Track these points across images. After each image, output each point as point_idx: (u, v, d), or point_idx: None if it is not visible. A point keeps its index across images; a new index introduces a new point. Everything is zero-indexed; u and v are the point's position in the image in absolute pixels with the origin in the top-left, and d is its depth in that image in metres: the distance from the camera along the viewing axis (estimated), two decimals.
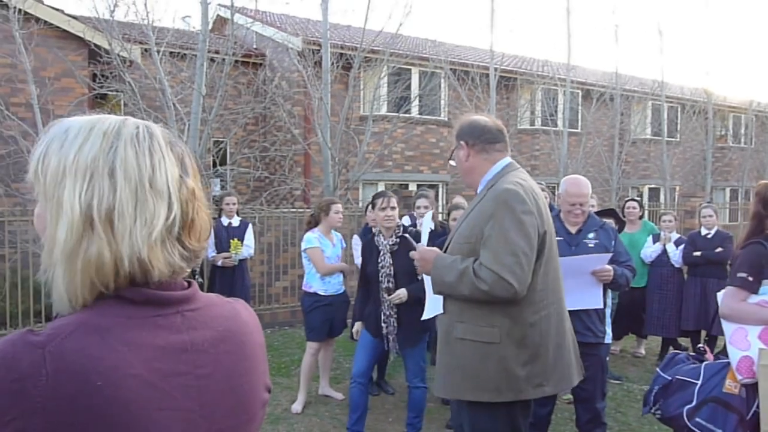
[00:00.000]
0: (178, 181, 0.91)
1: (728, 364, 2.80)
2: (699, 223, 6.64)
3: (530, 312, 2.47)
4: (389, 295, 4.17)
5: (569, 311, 3.64)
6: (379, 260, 4.24)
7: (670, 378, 3.03)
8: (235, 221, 6.53)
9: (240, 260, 6.39)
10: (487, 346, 2.46)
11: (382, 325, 4.20)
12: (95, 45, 9.18)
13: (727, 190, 20.22)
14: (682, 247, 6.42)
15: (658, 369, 3.24)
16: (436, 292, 2.61)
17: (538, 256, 2.46)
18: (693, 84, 18.68)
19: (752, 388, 2.73)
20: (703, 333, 6.52)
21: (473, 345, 2.50)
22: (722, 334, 6.36)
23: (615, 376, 5.93)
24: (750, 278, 2.77)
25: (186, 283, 0.95)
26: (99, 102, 11.04)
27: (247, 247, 6.46)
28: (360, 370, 4.31)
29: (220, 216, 6.57)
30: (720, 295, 2.90)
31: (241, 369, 0.96)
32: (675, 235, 6.57)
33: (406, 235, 3.81)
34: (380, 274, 4.23)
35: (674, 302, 6.45)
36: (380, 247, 4.26)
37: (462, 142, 2.71)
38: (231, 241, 6.27)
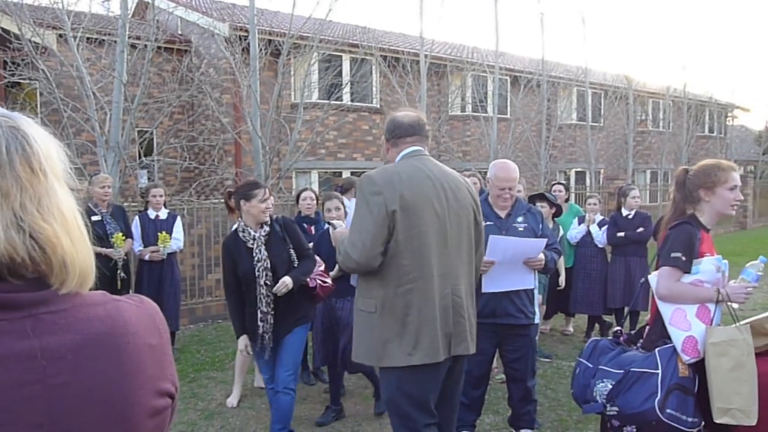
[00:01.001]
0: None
1: (674, 347, 2.77)
2: (619, 203, 6.84)
3: (395, 284, 2.70)
4: (270, 289, 3.88)
5: (503, 293, 3.76)
6: (254, 255, 3.87)
7: (621, 371, 2.86)
8: (163, 214, 6.32)
9: (169, 254, 6.20)
10: (369, 315, 2.78)
11: (259, 324, 3.88)
12: (4, 30, 8.65)
13: (648, 172, 21.17)
14: (605, 228, 6.67)
15: (580, 358, 3.12)
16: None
17: (397, 233, 2.67)
18: (615, 71, 19.40)
19: (696, 366, 2.74)
20: (626, 309, 6.81)
21: (362, 314, 2.83)
22: (645, 309, 6.67)
23: (545, 354, 6.12)
24: (683, 258, 2.79)
25: (50, 283, 0.86)
26: (11, 91, 10.43)
27: (175, 240, 6.27)
28: (270, 377, 4.09)
29: (146, 209, 6.35)
30: (653, 276, 2.90)
31: (111, 375, 0.87)
32: (599, 217, 6.83)
33: (332, 222, 3.88)
34: (257, 269, 3.86)
35: (599, 281, 6.70)
36: (251, 242, 3.88)
37: (384, 137, 3.04)
38: (159, 234, 6.06)
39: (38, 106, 10.67)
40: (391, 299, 2.71)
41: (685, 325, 2.76)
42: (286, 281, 3.87)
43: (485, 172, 4.36)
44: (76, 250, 0.89)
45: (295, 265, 4.00)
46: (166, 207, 6.46)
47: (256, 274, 3.86)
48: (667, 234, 2.93)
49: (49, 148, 0.91)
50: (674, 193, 3.05)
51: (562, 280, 6.40)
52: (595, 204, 6.86)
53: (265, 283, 3.86)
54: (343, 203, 4.81)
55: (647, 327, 3.06)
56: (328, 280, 4.23)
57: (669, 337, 2.80)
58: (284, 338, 3.95)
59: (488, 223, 3.80)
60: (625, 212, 6.70)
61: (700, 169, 2.97)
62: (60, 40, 9.11)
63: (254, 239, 3.88)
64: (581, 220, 6.82)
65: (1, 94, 10.09)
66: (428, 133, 2.99)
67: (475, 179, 6.84)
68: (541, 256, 3.83)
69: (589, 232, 6.72)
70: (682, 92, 20.40)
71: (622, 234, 6.57)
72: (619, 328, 3.24)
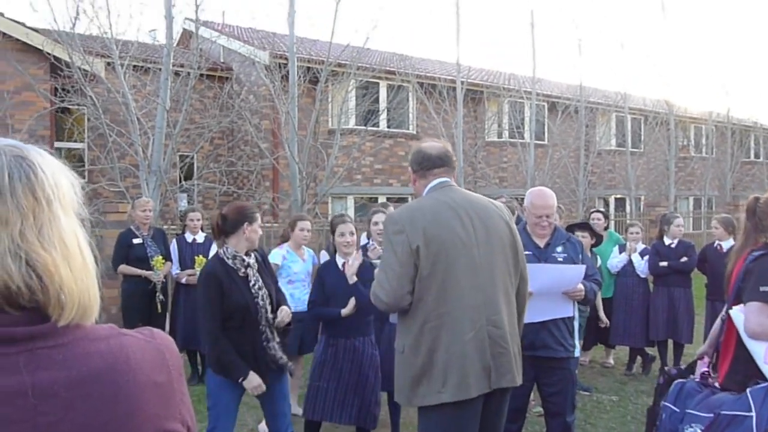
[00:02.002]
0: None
1: None
2: (661, 232, 6.66)
3: (421, 322, 2.66)
4: (273, 319, 3.55)
5: (542, 322, 3.67)
6: (251, 282, 3.48)
7: (710, 415, 2.65)
8: (200, 237, 6.39)
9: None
10: (400, 355, 2.77)
11: (271, 346, 3.49)
12: (56, 58, 9.00)
13: (691, 199, 20.67)
14: (647, 257, 6.50)
15: (665, 402, 2.90)
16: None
17: (421, 269, 2.64)
18: (655, 95, 19.12)
19: None
20: (670, 342, 6.60)
21: (396, 355, 2.83)
22: (689, 342, 6.43)
23: (584, 387, 5.95)
24: None
25: (49, 314, 0.84)
26: (61, 116, 10.80)
27: None
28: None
29: (184, 232, 6.44)
30: (736, 312, 2.72)
31: (107, 415, 0.84)
32: (641, 246, 6.66)
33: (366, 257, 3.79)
34: (260, 298, 3.47)
35: (641, 312, 6.51)
36: (243, 270, 3.48)
37: (410, 168, 3.03)
38: (195, 257, 6.13)
39: (86, 131, 11.02)
40: (417, 337, 2.67)
41: None
42: (288, 310, 3.63)
43: (522, 199, 4.27)
44: (76, 280, 0.87)
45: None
46: (203, 231, 6.54)
47: (260, 303, 3.47)
48: (748, 266, 2.77)
49: (58, 178, 0.90)
50: (745, 222, 2.93)
51: (603, 316, 6.23)
52: (637, 233, 6.70)
53: (267, 313, 3.49)
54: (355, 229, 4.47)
55: (727, 365, 2.85)
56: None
57: (757, 376, 2.63)
58: (277, 383, 3.63)
59: (527, 252, 3.71)
60: (667, 241, 6.53)
61: None
62: (108, 68, 9.44)
63: (248, 266, 3.51)
64: (621, 249, 6.66)
65: (52, 120, 10.45)
66: (455, 164, 2.96)
67: (513, 206, 6.76)
68: (581, 286, 3.73)
69: (630, 262, 6.55)
70: (725, 117, 19.97)
71: (665, 263, 6.38)
72: (707, 369, 3.02)
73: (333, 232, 4.34)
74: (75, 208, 0.92)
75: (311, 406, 4.12)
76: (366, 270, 4.15)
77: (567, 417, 3.88)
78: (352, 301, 4.01)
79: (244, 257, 3.51)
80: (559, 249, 3.85)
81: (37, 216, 0.85)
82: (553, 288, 3.66)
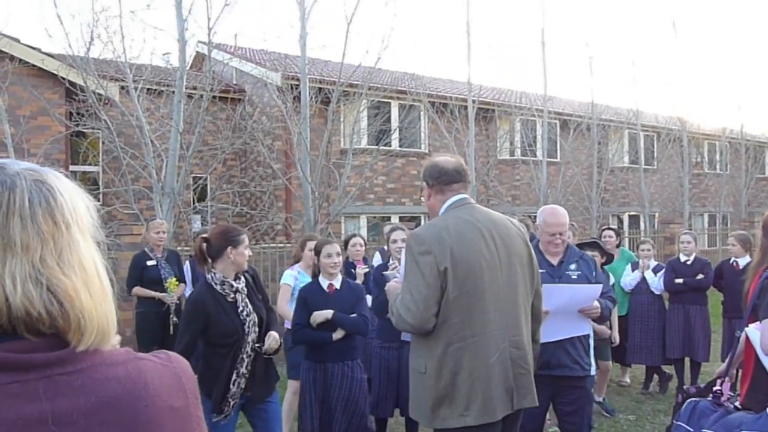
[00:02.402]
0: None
1: None
2: (678, 250, 6.66)
3: (444, 344, 2.61)
4: (260, 347, 3.46)
5: (558, 341, 3.63)
6: (239, 307, 3.40)
7: None
8: None
9: None
10: (420, 375, 2.70)
11: (231, 388, 3.35)
12: (70, 83, 9.14)
13: (705, 215, 20.49)
14: (661, 274, 6.43)
15: (678, 422, 2.86)
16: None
17: (447, 292, 2.59)
18: (667, 112, 19.05)
19: None
20: (687, 360, 6.50)
21: (414, 373, 2.78)
22: (706, 360, 6.33)
23: (608, 410, 5.83)
24: None
25: (68, 340, 0.84)
26: (76, 140, 10.95)
27: None
28: None
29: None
30: (753, 329, 2.68)
31: None
32: (653, 263, 6.58)
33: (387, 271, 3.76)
34: (247, 325, 3.38)
35: (656, 330, 6.42)
36: (232, 296, 3.39)
37: (425, 183, 2.94)
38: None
39: (100, 154, 11.15)
40: (440, 359, 2.61)
41: None
42: (276, 336, 3.54)
43: (535, 217, 4.26)
44: (95, 305, 0.87)
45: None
46: None
47: (246, 330, 3.38)
48: (764, 283, 2.72)
49: (75, 202, 0.90)
50: (762, 239, 2.91)
51: (615, 336, 6.14)
52: (648, 250, 6.62)
53: (252, 340, 3.41)
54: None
55: (747, 384, 2.79)
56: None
57: None
58: (269, 404, 3.62)
59: (540, 271, 3.72)
60: (683, 258, 6.46)
61: None
62: (122, 92, 9.58)
63: (237, 291, 3.41)
64: (634, 267, 6.59)
65: (67, 144, 10.60)
66: (470, 179, 2.95)
67: (524, 224, 6.72)
68: (597, 304, 3.70)
69: (644, 279, 6.48)
70: (739, 133, 19.84)
71: (680, 280, 6.31)
72: (719, 388, 2.95)
73: (318, 253, 4.18)
74: (92, 231, 0.92)
75: None
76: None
77: None
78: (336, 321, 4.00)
79: (233, 282, 3.41)
80: (573, 267, 3.83)
81: (57, 241, 0.85)
82: (570, 307, 3.64)
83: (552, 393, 3.78)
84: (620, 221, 18.18)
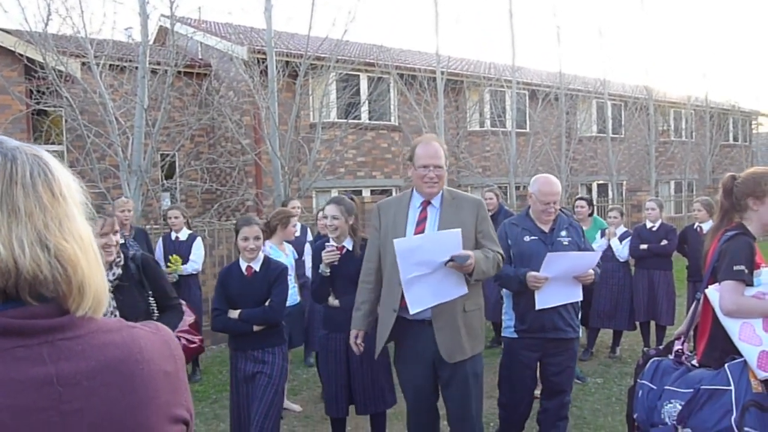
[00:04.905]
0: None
1: (745, 361, 2.63)
2: (644, 217, 6.81)
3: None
4: None
5: (553, 308, 3.77)
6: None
7: (689, 390, 2.70)
8: (183, 235, 6.35)
9: (188, 275, 6.20)
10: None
11: None
12: (29, 59, 8.88)
13: (672, 183, 20.90)
14: (627, 240, 6.56)
15: (641, 380, 2.94)
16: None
17: None
18: (634, 81, 19.26)
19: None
20: (653, 324, 6.69)
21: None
22: (670, 323, 6.52)
23: (579, 376, 5.96)
24: (746, 270, 2.68)
25: (66, 309, 0.88)
26: (37, 119, 10.67)
27: (192, 262, 6.23)
28: None
29: (170, 231, 6.41)
30: (712, 291, 2.77)
31: (126, 402, 0.89)
32: (621, 230, 6.70)
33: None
34: None
35: (623, 295, 6.57)
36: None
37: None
38: (170, 257, 6.09)
39: (63, 132, 10.90)
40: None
41: (756, 340, 2.62)
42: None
43: (505, 187, 4.36)
44: (93, 273, 0.91)
45: (155, 318, 3.23)
46: (190, 228, 6.49)
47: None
48: (722, 246, 2.80)
49: (68, 178, 0.94)
50: (722, 201, 2.95)
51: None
52: (615, 217, 6.73)
53: None
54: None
55: (704, 343, 2.89)
56: (197, 339, 3.79)
57: (734, 352, 2.67)
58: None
59: (533, 237, 3.86)
60: (648, 224, 6.60)
61: (750, 177, 2.86)
62: (83, 68, 9.33)
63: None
64: (604, 234, 6.72)
65: (28, 123, 10.33)
66: None
67: (491, 194, 6.79)
68: (591, 271, 3.83)
69: (610, 246, 6.60)
70: (703, 101, 20.17)
71: (644, 246, 6.46)
72: (680, 347, 3.06)
73: (236, 233, 3.89)
74: (83, 209, 0.96)
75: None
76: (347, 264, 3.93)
77: (566, 396, 4.00)
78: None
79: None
80: (563, 233, 3.93)
81: (56, 210, 0.89)
82: (568, 273, 3.75)
83: (541, 355, 3.91)
84: (589, 190, 18.45)
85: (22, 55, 9.01)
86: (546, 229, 3.93)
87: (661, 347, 3.15)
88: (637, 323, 6.72)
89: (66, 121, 10.07)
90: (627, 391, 3.18)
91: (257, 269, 3.87)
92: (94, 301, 0.91)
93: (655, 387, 2.85)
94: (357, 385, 3.99)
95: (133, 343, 0.92)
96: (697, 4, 45.18)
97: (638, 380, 2.97)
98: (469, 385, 3.37)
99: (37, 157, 0.92)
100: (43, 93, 8.96)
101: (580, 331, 4.11)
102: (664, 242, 6.44)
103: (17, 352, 0.83)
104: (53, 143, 11.14)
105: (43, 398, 0.82)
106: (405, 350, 3.44)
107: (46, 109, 9.59)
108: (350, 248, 4.04)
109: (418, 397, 3.46)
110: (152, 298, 3.27)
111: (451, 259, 3.06)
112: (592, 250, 4.10)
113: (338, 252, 3.97)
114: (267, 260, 3.96)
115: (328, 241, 4.11)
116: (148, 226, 7.77)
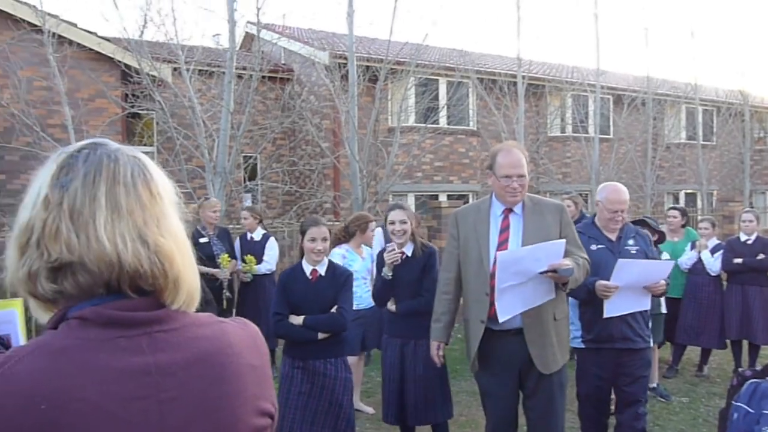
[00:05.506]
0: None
1: None
2: (738, 228, 6.43)
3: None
4: None
5: (619, 316, 3.71)
6: None
7: None
8: (257, 235, 6.48)
9: (265, 274, 6.30)
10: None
11: None
12: (126, 65, 9.38)
13: (767, 193, 19.66)
14: (720, 254, 6.21)
15: (737, 402, 2.79)
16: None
17: None
18: (728, 86, 18.26)
19: None
20: (745, 342, 6.30)
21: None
22: (765, 343, 6.12)
23: (663, 395, 5.69)
24: None
25: (162, 303, 0.93)
26: (131, 122, 11.26)
27: (265, 262, 6.33)
28: None
29: (246, 231, 6.59)
30: None
31: (217, 393, 0.92)
32: (713, 242, 6.34)
33: None
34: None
35: (712, 311, 6.21)
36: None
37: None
38: (244, 257, 6.23)
39: (155, 134, 11.45)
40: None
41: None
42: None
43: (587, 195, 4.27)
44: (186, 269, 0.96)
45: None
46: (264, 228, 6.64)
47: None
48: None
49: (164, 179, 1.00)
50: None
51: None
52: (706, 228, 6.36)
53: None
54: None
55: None
56: None
57: None
58: None
59: (600, 246, 3.82)
60: (743, 237, 6.22)
61: None
62: (174, 73, 9.76)
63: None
64: (694, 246, 6.38)
65: (123, 125, 10.91)
66: None
67: (569, 202, 6.58)
68: (663, 281, 3.74)
69: (699, 259, 6.26)
70: None
71: (739, 260, 6.09)
72: (742, 368, 2.86)
73: (303, 234, 3.77)
74: (177, 208, 1.01)
75: None
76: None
77: (640, 406, 3.88)
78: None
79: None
80: (631, 242, 3.89)
81: (154, 209, 0.94)
82: (639, 282, 3.68)
83: (615, 365, 3.83)
84: (676, 199, 17.63)
85: (119, 62, 9.53)
86: (613, 237, 3.89)
87: (757, 368, 2.96)
88: (728, 341, 6.35)
89: (157, 123, 10.58)
90: (719, 413, 3.00)
91: (323, 273, 3.74)
92: (187, 295, 0.95)
93: (753, 411, 2.68)
94: (409, 395, 3.95)
95: (223, 337, 0.96)
96: None
97: (733, 402, 2.79)
98: (555, 395, 3.30)
99: (136, 158, 0.97)
100: (138, 97, 9.45)
101: (665, 345, 3.95)
102: (761, 256, 6.06)
103: (119, 342, 0.87)
104: (145, 144, 11.72)
105: (142, 387, 0.86)
106: (490, 360, 3.34)
107: (139, 112, 10.10)
108: (410, 254, 4.02)
109: (501, 406, 3.37)
110: None
111: (551, 270, 3.02)
112: (660, 259, 3.96)
113: (399, 253, 3.95)
114: (332, 265, 3.84)
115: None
116: (231, 226, 8.03)
